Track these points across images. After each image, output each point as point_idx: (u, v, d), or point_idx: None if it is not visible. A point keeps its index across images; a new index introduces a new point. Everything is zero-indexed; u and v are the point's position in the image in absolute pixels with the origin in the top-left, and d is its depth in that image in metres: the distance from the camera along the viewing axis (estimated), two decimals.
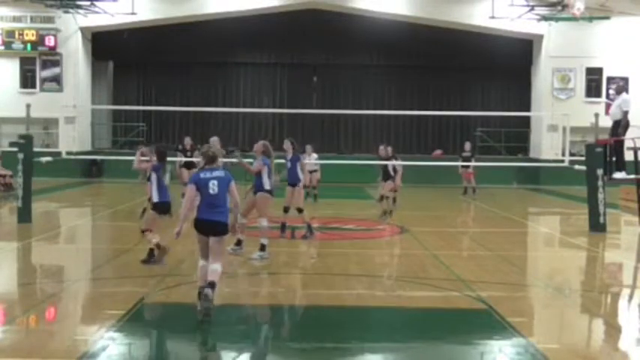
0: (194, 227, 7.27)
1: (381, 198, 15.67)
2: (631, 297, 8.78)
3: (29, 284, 8.72)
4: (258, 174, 10.47)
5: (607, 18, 25.40)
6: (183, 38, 27.72)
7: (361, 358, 6.23)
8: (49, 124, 26.73)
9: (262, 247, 10.06)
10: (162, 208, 9.66)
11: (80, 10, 25.22)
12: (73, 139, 25.06)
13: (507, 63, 28.31)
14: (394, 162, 15.83)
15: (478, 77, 29.89)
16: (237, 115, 29.94)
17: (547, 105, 26.60)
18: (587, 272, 10.68)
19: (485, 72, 29.50)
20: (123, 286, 8.39)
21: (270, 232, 10.55)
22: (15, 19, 26.52)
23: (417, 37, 27.54)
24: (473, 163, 20.98)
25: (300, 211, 12.13)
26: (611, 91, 24.70)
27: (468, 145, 21.96)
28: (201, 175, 7.28)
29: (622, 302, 8.58)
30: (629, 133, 13.72)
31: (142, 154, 11.01)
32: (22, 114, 14.96)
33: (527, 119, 28.58)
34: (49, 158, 15.27)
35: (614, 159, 13.59)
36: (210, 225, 7.17)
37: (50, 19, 26.44)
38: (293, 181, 12.18)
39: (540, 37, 27.11)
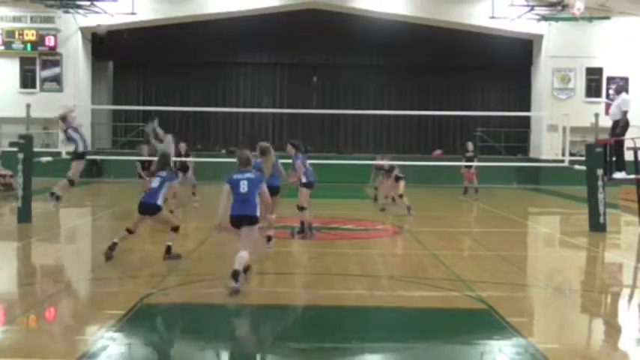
0: (229, 222, 8.19)
1: (400, 196, 16.45)
2: (631, 297, 8.79)
3: (29, 284, 8.72)
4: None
5: (607, 18, 25.41)
6: (183, 38, 27.73)
7: (361, 358, 6.23)
8: (49, 124, 26.71)
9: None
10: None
11: (80, 10, 25.22)
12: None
13: (507, 63, 28.31)
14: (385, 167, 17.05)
15: (478, 77, 29.90)
16: (237, 115, 29.97)
17: (547, 105, 26.60)
18: (587, 272, 10.68)
19: (485, 72, 29.51)
20: (123, 286, 8.39)
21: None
22: (15, 19, 26.52)
23: (417, 37, 27.54)
24: (475, 163, 21.02)
25: (300, 209, 12.20)
26: (610, 91, 24.72)
27: (470, 145, 21.96)
28: (234, 177, 8.31)
29: (622, 302, 8.58)
30: (629, 133, 13.72)
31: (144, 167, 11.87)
32: (22, 114, 14.94)
33: (527, 119, 28.59)
34: (49, 158, 15.28)
35: (614, 159, 13.60)
36: (242, 219, 8.14)
37: (50, 19, 26.44)
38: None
39: (540, 37, 27.11)
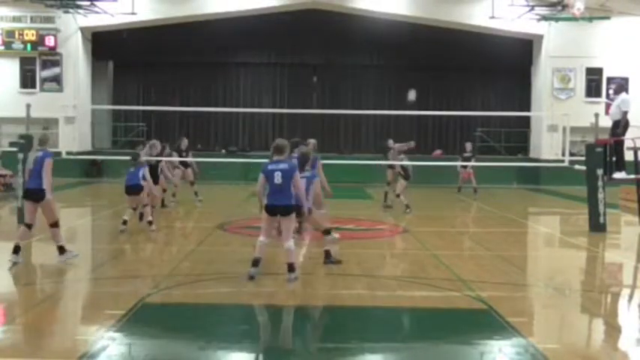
0: (265, 211, 8.55)
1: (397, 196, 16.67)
2: (631, 297, 8.79)
3: (29, 284, 8.72)
4: None
5: (607, 18, 25.40)
6: (183, 38, 27.70)
7: (361, 358, 6.23)
8: (49, 124, 26.70)
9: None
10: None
11: (80, 10, 25.21)
12: (73, 139, 25.07)
13: (507, 63, 28.29)
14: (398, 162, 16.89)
15: (478, 77, 29.89)
16: (237, 115, 29.96)
17: (547, 105, 26.59)
18: (587, 272, 10.68)
19: (485, 72, 29.50)
20: (123, 286, 8.38)
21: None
22: (15, 19, 26.51)
23: (417, 37, 27.53)
24: (472, 163, 21.10)
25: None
26: (610, 91, 24.72)
27: (469, 146, 21.98)
28: (269, 167, 8.55)
29: (622, 302, 8.58)
30: (629, 133, 13.72)
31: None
32: (22, 114, 14.91)
33: (527, 119, 28.58)
34: None
35: (614, 159, 13.59)
36: (277, 209, 8.47)
37: (50, 19, 26.43)
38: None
39: (540, 37, 27.10)
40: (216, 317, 7.32)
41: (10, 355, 5.69)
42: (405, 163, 16.88)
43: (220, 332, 6.73)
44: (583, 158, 14.88)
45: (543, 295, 8.61)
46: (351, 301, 7.98)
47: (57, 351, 5.92)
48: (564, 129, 17.42)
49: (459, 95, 29.62)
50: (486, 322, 7.13)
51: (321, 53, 29.26)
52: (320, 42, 28.49)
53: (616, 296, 8.79)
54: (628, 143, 13.76)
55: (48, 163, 9.39)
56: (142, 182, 12.62)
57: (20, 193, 13.49)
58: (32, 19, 26.49)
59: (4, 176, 19.94)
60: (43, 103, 24.24)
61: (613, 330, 7.10)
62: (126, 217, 12.35)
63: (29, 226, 9.62)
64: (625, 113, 13.40)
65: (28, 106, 14.82)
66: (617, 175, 13.64)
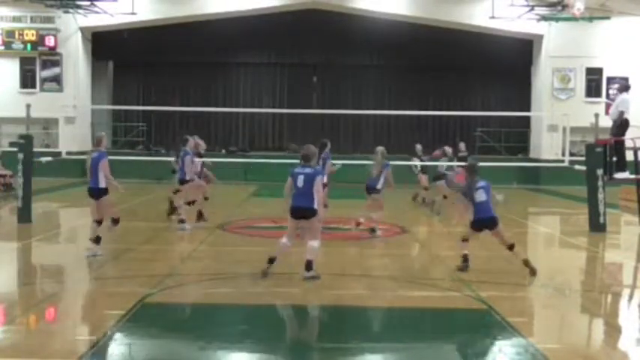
0: (289, 213, 8.83)
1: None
2: (631, 297, 8.79)
3: (29, 284, 8.72)
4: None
5: (607, 18, 25.40)
6: (183, 38, 27.70)
7: (361, 358, 6.23)
8: (49, 124, 26.73)
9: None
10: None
11: (80, 10, 25.21)
12: (73, 139, 25.08)
13: (507, 63, 28.29)
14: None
15: (478, 77, 29.89)
16: (237, 115, 29.96)
17: (547, 105, 26.60)
18: (587, 272, 10.68)
19: (485, 72, 29.50)
20: (123, 286, 8.38)
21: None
22: (15, 19, 26.52)
23: (417, 37, 27.52)
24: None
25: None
26: (611, 91, 24.73)
27: (463, 146, 21.94)
28: (295, 170, 8.97)
29: (622, 302, 8.58)
30: (629, 133, 13.71)
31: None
32: (22, 114, 14.93)
33: (527, 119, 28.57)
34: (49, 158, 15.28)
35: (614, 159, 13.59)
36: (299, 211, 8.78)
37: (50, 19, 26.43)
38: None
39: (540, 37, 27.10)
40: (216, 317, 7.32)
41: (10, 355, 5.69)
42: (413, 163, 17.12)
43: (220, 332, 6.72)
44: (583, 158, 14.88)
45: (543, 295, 8.61)
46: (351, 301, 7.98)
47: (57, 351, 5.92)
48: (564, 129, 17.42)
49: (459, 95, 29.61)
50: (486, 322, 7.13)
51: (321, 53, 29.26)
52: (320, 42, 28.49)
53: (616, 296, 8.79)
54: (628, 143, 13.76)
55: (103, 164, 10.07)
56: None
57: (20, 193, 13.53)
58: (32, 19, 26.49)
59: (4, 176, 19.95)
60: (43, 103, 24.25)
61: (613, 330, 7.10)
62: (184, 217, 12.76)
63: (99, 222, 10.18)
64: (621, 113, 13.38)
65: (28, 106, 14.83)
66: (619, 175, 13.65)
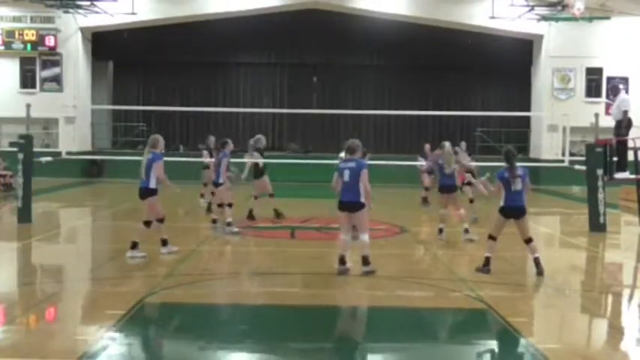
0: (338, 207, 9.08)
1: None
2: (631, 297, 8.79)
3: (29, 284, 8.72)
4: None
5: (607, 18, 25.40)
6: (183, 38, 27.70)
7: (361, 358, 6.23)
8: (49, 124, 26.73)
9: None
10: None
11: (80, 10, 25.21)
12: (73, 139, 25.08)
13: (507, 63, 28.27)
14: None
15: (478, 77, 29.89)
16: (237, 115, 29.96)
17: (547, 105, 26.59)
18: (587, 272, 10.68)
19: (485, 72, 29.50)
20: (123, 286, 8.38)
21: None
22: (15, 19, 26.51)
23: (417, 37, 27.51)
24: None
25: None
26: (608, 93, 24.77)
27: (463, 145, 21.91)
28: (341, 165, 9.13)
29: (622, 302, 8.58)
30: (630, 133, 13.72)
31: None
32: (22, 114, 14.92)
33: (527, 119, 28.57)
34: (49, 158, 15.27)
35: (614, 159, 13.59)
36: (347, 205, 8.96)
37: (50, 19, 26.43)
38: None
39: (540, 37, 27.10)
40: (216, 317, 7.33)
41: (10, 355, 5.69)
42: (419, 163, 17.10)
43: (220, 332, 6.73)
44: (583, 158, 14.88)
45: (543, 295, 8.61)
46: (351, 301, 7.98)
47: (57, 351, 5.92)
48: (564, 129, 17.42)
49: (459, 95, 29.62)
50: (486, 322, 7.13)
51: (321, 53, 29.25)
52: (320, 42, 28.49)
53: (616, 296, 8.78)
54: (628, 143, 13.77)
55: (157, 165, 10.11)
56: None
57: (20, 193, 13.53)
58: (32, 19, 26.49)
59: (4, 176, 19.95)
60: (43, 103, 24.25)
61: (613, 330, 7.10)
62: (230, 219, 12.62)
63: (146, 224, 10.22)
64: (625, 113, 13.40)
65: (28, 106, 14.83)
66: (619, 175, 13.65)
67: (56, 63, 26.83)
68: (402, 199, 18.07)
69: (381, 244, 12.49)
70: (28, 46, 26.41)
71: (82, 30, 26.89)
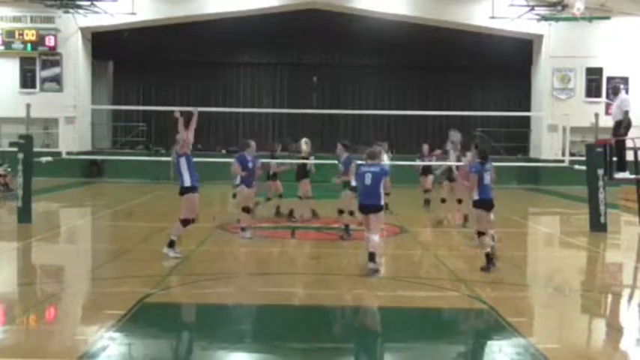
0: (358, 209, 9.48)
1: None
2: (631, 297, 8.78)
3: (29, 284, 8.72)
4: None
5: (607, 18, 25.40)
6: (183, 38, 27.71)
7: (361, 358, 6.23)
8: (49, 124, 26.72)
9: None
10: None
11: (80, 10, 25.22)
12: (73, 139, 25.07)
13: (507, 63, 28.27)
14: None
15: (478, 77, 29.88)
16: (237, 115, 29.97)
17: (547, 105, 26.60)
18: (587, 272, 10.67)
19: (485, 72, 29.49)
20: (123, 286, 8.37)
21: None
22: (15, 19, 26.52)
23: (417, 37, 27.53)
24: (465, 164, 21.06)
25: (340, 212, 12.28)
26: (611, 91, 24.73)
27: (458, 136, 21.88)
28: (362, 169, 9.43)
29: (622, 302, 8.57)
30: (630, 133, 13.71)
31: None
32: (22, 114, 14.91)
33: (527, 119, 28.57)
34: (49, 158, 15.27)
35: (614, 159, 13.59)
36: (368, 208, 9.24)
37: (50, 19, 26.43)
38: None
39: (540, 37, 27.11)
40: (216, 317, 7.32)
41: (10, 355, 5.69)
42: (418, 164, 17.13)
43: (220, 332, 6.72)
44: (583, 158, 14.88)
45: (543, 295, 8.61)
46: (351, 301, 7.98)
47: (57, 351, 5.92)
48: (564, 129, 17.41)
49: (459, 95, 29.61)
50: (486, 322, 7.13)
51: (321, 53, 29.27)
52: (320, 42, 28.50)
53: (616, 296, 8.78)
54: (628, 143, 13.76)
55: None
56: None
57: (20, 193, 13.53)
58: (32, 19, 26.49)
59: (4, 176, 19.95)
60: (43, 103, 24.25)
61: (613, 330, 7.10)
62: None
63: (185, 222, 10.17)
64: (626, 113, 13.39)
65: (28, 106, 14.83)
66: (619, 175, 13.64)
67: (56, 63, 26.83)
68: (402, 199, 18.04)
69: (381, 244, 12.50)
70: (28, 46, 26.41)
71: (82, 30, 26.89)
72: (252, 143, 12.69)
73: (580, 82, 27.07)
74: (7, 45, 26.38)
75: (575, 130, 18.70)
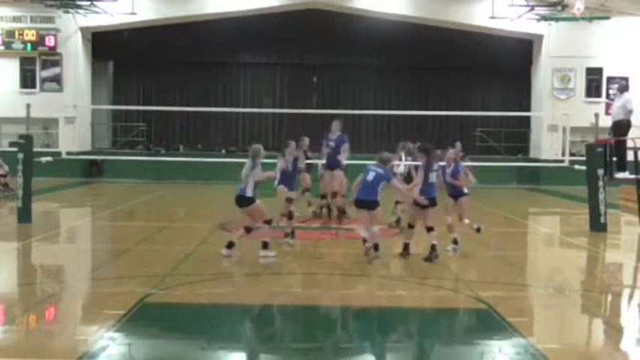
0: (354, 204, 9.82)
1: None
2: (631, 297, 8.78)
3: (29, 284, 8.72)
4: None
5: (607, 18, 25.41)
6: (183, 38, 27.71)
7: (361, 358, 6.23)
8: (49, 124, 26.72)
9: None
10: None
11: (80, 10, 25.22)
12: (73, 139, 25.04)
13: (507, 63, 28.28)
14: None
15: (478, 77, 29.88)
16: (237, 115, 29.97)
17: (547, 105, 26.61)
18: (587, 272, 10.67)
19: (485, 72, 29.50)
20: (123, 286, 8.37)
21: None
22: (15, 19, 26.52)
23: (417, 37, 27.54)
24: (468, 163, 21.00)
25: (334, 195, 12.46)
26: (611, 91, 24.73)
27: (459, 145, 21.85)
28: (370, 167, 9.74)
29: (622, 302, 8.57)
30: (630, 133, 13.70)
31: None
32: (22, 114, 14.90)
33: (527, 119, 28.58)
34: (49, 158, 15.26)
35: (614, 159, 13.58)
36: (364, 202, 9.61)
37: (50, 19, 26.43)
38: (332, 164, 13.52)
39: (540, 37, 27.11)
40: (216, 317, 7.32)
41: (10, 355, 5.69)
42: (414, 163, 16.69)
43: (220, 332, 6.72)
44: (583, 158, 14.87)
45: (543, 295, 8.61)
46: (351, 301, 7.97)
47: (57, 351, 5.92)
48: (564, 129, 17.41)
49: (459, 95, 29.62)
50: (486, 322, 7.13)
51: (321, 53, 29.27)
52: (320, 42, 28.49)
53: (616, 296, 8.78)
54: (628, 143, 13.75)
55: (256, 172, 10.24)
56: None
57: (20, 193, 13.52)
58: (32, 19, 26.49)
59: (4, 176, 19.96)
60: (43, 103, 24.24)
61: (613, 330, 7.09)
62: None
63: (271, 220, 10.35)
64: (630, 112, 13.36)
65: (28, 106, 14.82)
66: (619, 175, 13.64)
67: (56, 63, 26.83)
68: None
69: (381, 245, 12.48)
70: (28, 46, 26.41)
71: (82, 30, 26.89)
72: (292, 143, 12.18)
73: (580, 82, 27.08)
74: (7, 45, 26.39)
75: (575, 130, 18.70)
